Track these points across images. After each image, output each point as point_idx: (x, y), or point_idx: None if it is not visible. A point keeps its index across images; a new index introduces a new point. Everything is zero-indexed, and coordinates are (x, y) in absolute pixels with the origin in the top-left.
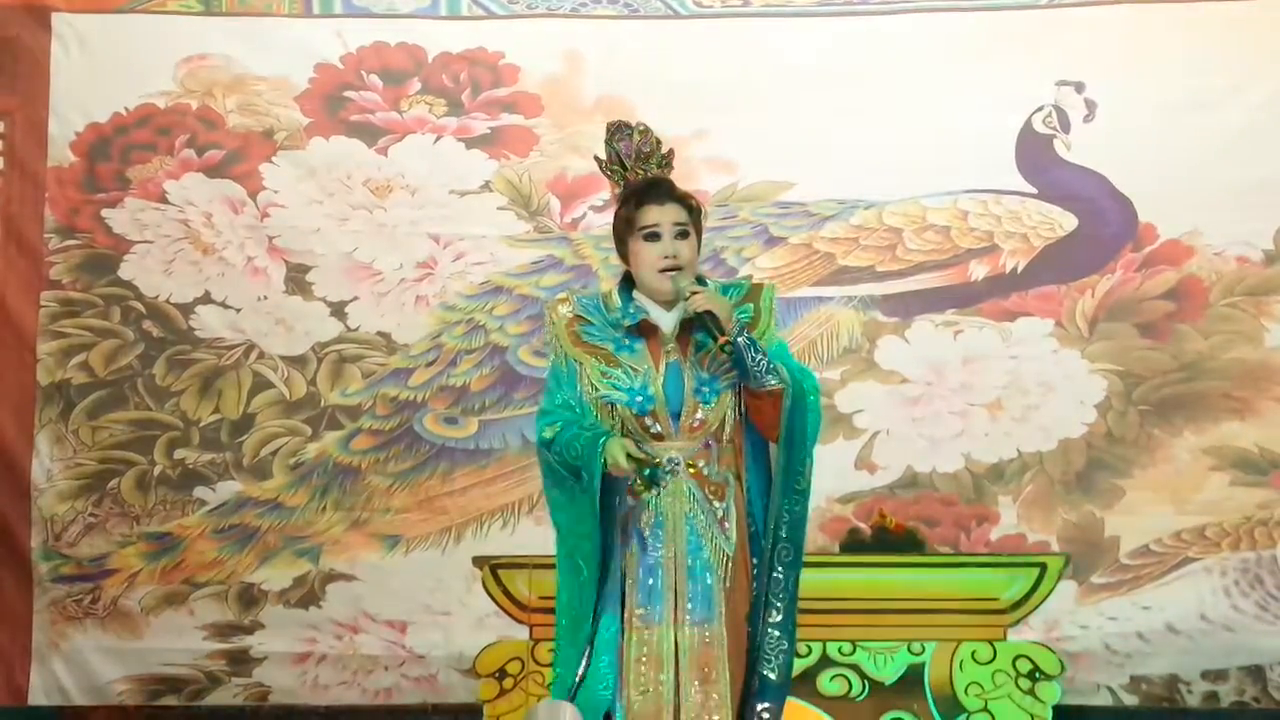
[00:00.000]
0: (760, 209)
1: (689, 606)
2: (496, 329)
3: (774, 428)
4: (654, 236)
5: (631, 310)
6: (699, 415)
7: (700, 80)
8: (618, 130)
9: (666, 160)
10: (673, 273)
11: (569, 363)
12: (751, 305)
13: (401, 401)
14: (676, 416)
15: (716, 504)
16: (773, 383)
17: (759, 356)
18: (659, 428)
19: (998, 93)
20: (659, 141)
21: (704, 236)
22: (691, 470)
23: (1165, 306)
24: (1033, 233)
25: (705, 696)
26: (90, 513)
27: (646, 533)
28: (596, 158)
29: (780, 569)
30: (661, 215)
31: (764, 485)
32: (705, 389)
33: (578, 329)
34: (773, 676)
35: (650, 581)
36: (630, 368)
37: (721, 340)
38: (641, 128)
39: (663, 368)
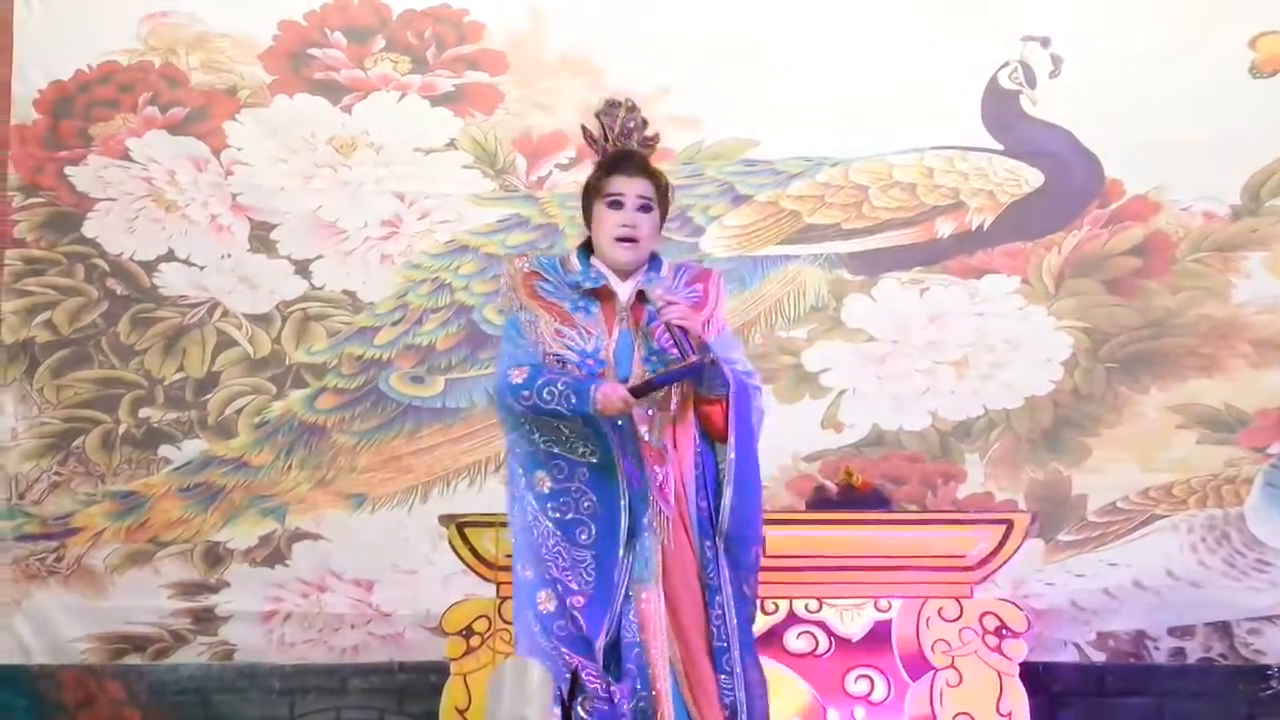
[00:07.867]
0: (726, 167)
1: (631, 567)
2: (462, 288)
3: (721, 430)
4: (617, 205)
5: (592, 275)
6: None
7: (665, 37)
8: (607, 106)
9: (647, 141)
10: (627, 244)
11: (526, 314)
12: (700, 286)
13: (367, 360)
14: (624, 383)
15: (657, 469)
16: (721, 391)
17: (715, 371)
18: None
19: (964, 49)
20: (645, 122)
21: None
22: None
23: (1132, 263)
24: (999, 189)
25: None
26: (55, 471)
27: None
28: (584, 127)
29: (736, 557)
30: (627, 186)
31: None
32: (654, 358)
33: (534, 284)
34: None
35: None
36: (585, 329)
37: (688, 362)
38: (629, 105)
39: (615, 334)
